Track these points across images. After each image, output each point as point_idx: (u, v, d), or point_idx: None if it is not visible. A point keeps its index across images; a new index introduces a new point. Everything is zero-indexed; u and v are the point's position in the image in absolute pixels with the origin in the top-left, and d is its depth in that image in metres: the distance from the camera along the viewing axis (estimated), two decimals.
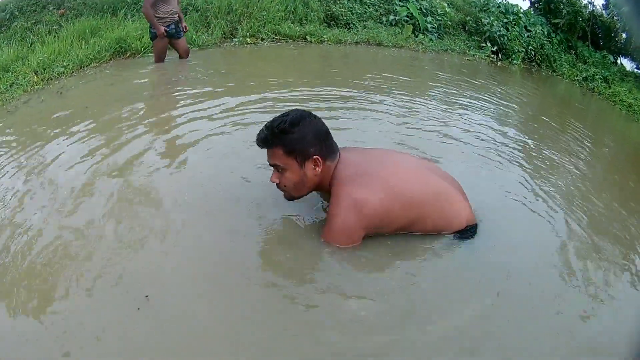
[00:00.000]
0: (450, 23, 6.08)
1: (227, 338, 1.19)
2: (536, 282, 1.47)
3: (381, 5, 5.81)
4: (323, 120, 1.48)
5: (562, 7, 7.13)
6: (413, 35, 5.67)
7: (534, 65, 6.50)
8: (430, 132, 2.72)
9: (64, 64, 4.64)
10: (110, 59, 4.99)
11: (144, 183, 1.91)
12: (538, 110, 4.69)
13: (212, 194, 1.80)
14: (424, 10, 5.89)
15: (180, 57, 4.49)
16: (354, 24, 5.54)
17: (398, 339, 1.21)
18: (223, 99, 3.13)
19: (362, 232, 1.40)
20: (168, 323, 1.22)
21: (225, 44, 5.04)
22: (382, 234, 1.47)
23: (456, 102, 3.70)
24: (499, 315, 1.32)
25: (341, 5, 5.61)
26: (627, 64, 7.81)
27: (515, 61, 6.17)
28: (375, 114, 2.97)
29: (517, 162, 2.49)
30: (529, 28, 6.63)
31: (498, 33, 6.16)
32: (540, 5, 7.21)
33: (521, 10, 6.81)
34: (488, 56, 6.01)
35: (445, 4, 6.12)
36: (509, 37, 6.26)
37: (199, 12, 5.39)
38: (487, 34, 6.13)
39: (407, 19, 5.78)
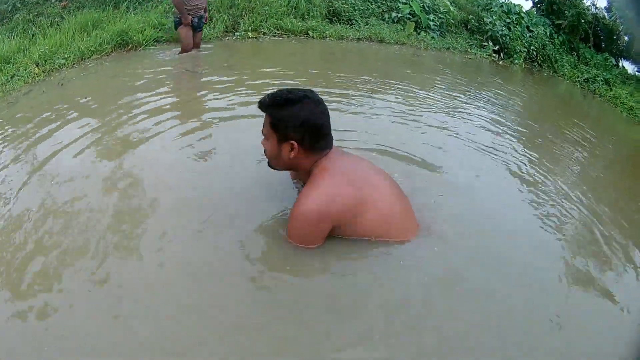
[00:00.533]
0: (452, 21, 6.08)
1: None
2: (537, 282, 1.47)
3: (384, 2, 5.81)
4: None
5: (565, 8, 7.15)
6: (415, 32, 5.66)
7: (535, 66, 6.50)
8: (430, 129, 2.71)
9: (65, 55, 4.63)
10: (112, 52, 4.98)
11: (141, 175, 1.91)
12: (538, 110, 4.70)
13: (216, 185, 1.81)
14: (427, 8, 5.89)
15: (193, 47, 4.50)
16: (356, 21, 5.54)
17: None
18: (226, 92, 3.12)
19: (321, 233, 1.39)
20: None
21: (227, 38, 5.03)
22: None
23: (456, 100, 3.70)
24: (499, 316, 1.32)
25: (343, 2, 5.60)
26: (629, 66, 7.82)
27: (516, 61, 6.17)
28: (374, 110, 2.96)
29: (515, 161, 2.48)
30: (531, 28, 6.64)
31: (500, 32, 6.16)
32: (542, 6, 7.22)
33: (523, 11, 6.82)
34: (490, 55, 6.00)
35: (448, 2, 6.12)
36: (511, 37, 6.26)
37: None
38: (489, 33, 6.14)
39: (410, 16, 5.78)
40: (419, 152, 2.20)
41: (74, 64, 4.59)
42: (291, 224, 1.40)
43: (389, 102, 3.22)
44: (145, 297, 1.29)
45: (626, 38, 7.80)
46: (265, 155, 1.49)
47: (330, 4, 5.53)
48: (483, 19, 6.21)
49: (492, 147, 2.57)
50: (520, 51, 6.24)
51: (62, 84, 3.84)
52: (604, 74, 6.82)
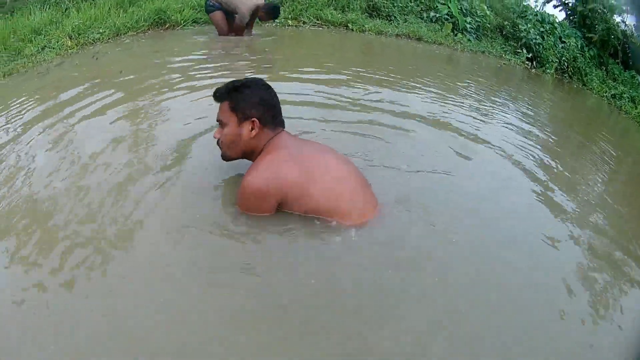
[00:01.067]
0: (488, 25, 6.09)
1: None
2: (538, 283, 1.47)
3: (422, 1, 5.81)
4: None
5: (596, 22, 7.15)
6: (452, 33, 5.66)
7: (565, 77, 6.50)
8: (460, 130, 2.62)
9: (100, 30, 4.60)
10: (148, 29, 4.95)
11: (167, 154, 1.89)
12: (567, 122, 4.67)
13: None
14: (464, 11, 5.89)
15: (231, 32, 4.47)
16: (395, 17, 5.53)
17: None
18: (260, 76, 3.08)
19: (267, 204, 1.48)
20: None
21: (267, 24, 5.00)
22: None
23: (488, 105, 3.64)
24: (499, 316, 1.31)
25: None
26: None
27: (548, 70, 6.16)
28: (408, 108, 2.84)
29: (538, 170, 2.41)
30: (563, 39, 6.64)
31: (534, 41, 6.16)
32: (575, 18, 7.22)
33: (557, 21, 6.82)
34: (523, 62, 6.00)
35: (485, 6, 6.11)
36: (544, 46, 6.26)
37: None
38: (524, 40, 6.14)
39: (447, 17, 5.78)
40: (443, 155, 2.17)
41: (109, 38, 4.55)
42: (239, 195, 1.51)
43: (422, 101, 3.15)
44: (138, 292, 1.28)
45: None
46: (220, 145, 1.60)
47: None
48: (518, 26, 6.21)
49: (516, 155, 2.49)
50: (552, 61, 6.24)
51: (96, 58, 3.79)
52: (631, 91, 6.82)
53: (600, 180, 2.86)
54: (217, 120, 1.60)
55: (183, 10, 5.21)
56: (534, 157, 2.56)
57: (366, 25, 5.23)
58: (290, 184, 1.45)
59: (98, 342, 1.11)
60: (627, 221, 2.13)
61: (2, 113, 2.48)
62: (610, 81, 6.99)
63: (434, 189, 1.83)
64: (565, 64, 6.47)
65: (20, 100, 2.67)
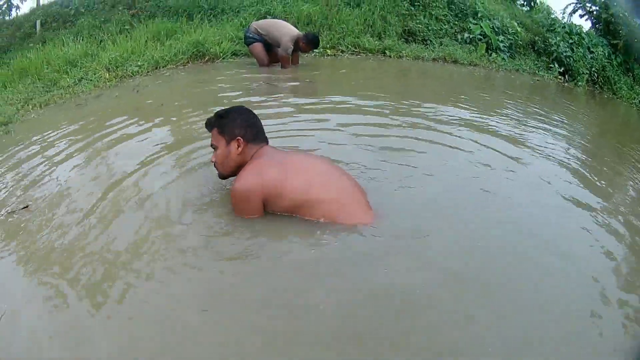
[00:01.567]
0: (520, 42, 6.11)
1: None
2: (542, 282, 1.50)
3: (456, 22, 5.83)
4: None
5: (619, 28, 7.14)
6: (486, 53, 5.70)
7: (597, 88, 6.53)
8: (499, 149, 2.69)
9: (138, 63, 4.64)
10: (188, 62, 4.99)
11: (202, 184, 2.00)
12: (602, 134, 4.70)
13: None
14: (496, 29, 5.92)
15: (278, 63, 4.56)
16: (430, 41, 5.57)
17: None
18: (304, 110, 3.14)
19: (255, 206, 1.67)
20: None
21: (306, 55, 5.05)
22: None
23: (526, 122, 3.68)
24: (504, 314, 1.36)
25: (418, 22, 5.63)
26: None
27: (580, 83, 6.19)
28: (449, 128, 2.94)
29: (577, 181, 2.51)
30: (591, 49, 6.65)
31: (565, 54, 6.18)
32: (600, 26, 7.22)
33: (584, 31, 6.83)
34: (556, 77, 6.03)
35: (516, 23, 6.13)
36: (574, 58, 6.28)
37: None
38: (555, 54, 6.16)
39: (481, 37, 5.81)
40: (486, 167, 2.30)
41: (148, 71, 4.59)
42: (231, 202, 1.71)
43: (462, 123, 3.18)
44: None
45: None
46: (216, 167, 1.80)
47: (405, 23, 5.55)
48: (548, 40, 6.23)
49: (556, 164, 2.63)
50: (583, 73, 6.27)
51: (137, 90, 3.83)
52: None
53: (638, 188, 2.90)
54: (211, 146, 1.81)
55: (221, 42, 5.24)
56: (570, 166, 2.69)
57: (403, 51, 5.27)
58: (269, 182, 1.64)
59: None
60: None
61: (50, 139, 2.66)
62: (637, 87, 7.01)
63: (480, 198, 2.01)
64: (595, 74, 6.50)
65: (58, 130, 2.81)
